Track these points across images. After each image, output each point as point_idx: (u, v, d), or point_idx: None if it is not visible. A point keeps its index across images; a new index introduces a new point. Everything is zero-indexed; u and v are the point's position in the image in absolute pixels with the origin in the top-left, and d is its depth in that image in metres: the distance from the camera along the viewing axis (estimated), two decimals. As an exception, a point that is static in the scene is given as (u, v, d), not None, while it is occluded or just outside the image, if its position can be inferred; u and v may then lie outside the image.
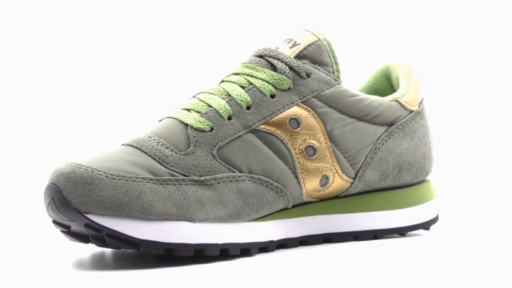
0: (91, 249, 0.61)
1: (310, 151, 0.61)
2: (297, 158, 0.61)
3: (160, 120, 0.62)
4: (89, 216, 0.54)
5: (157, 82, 1.04)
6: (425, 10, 1.02)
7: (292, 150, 0.61)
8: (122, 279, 0.52)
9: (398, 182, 0.66)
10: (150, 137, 0.59)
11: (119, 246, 0.55)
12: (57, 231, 0.57)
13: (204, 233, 0.57)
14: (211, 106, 0.60)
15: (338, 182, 0.63)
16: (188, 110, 0.61)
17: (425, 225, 0.67)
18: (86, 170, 0.55)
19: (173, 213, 0.56)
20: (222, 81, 0.63)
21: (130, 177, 0.55)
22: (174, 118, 0.61)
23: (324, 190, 0.63)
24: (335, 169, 0.62)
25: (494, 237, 0.66)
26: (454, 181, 0.88)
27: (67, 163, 0.56)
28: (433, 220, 0.67)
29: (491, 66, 1.02)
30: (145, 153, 0.58)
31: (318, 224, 0.64)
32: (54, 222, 0.56)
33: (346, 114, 0.63)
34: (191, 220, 0.57)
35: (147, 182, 0.56)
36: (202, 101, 0.61)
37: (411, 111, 0.66)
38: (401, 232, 0.66)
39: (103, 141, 0.75)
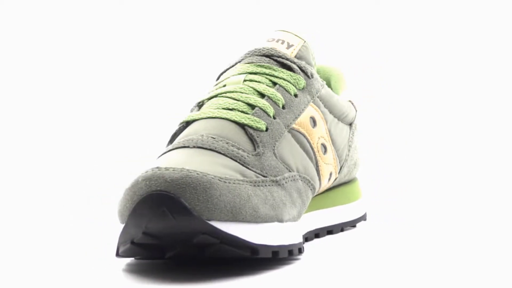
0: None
1: (323, 149, 0.63)
2: (318, 156, 0.62)
3: (185, 122, 0.58)
4: (211, 223, 0.50)
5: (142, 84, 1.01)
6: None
7: (315, 148, 0.62)
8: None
9: (348, 178, 0.70)
10: (214, 138, 0.56)
11: (230, 254, 0.51)
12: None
13: (292, 233, 0.56)
14: (253, 106, 0.59)
15: (332, 179, 0.66)
16: (231, 109, 0.58)
17: (354, 222, 0.71)
18: (198, 174, 0.50)
19: (272, 215, 0.54)
20: (245, 80, 0.61)
21: (235, 180, 0.52)
22: (223, 118, 0.57)
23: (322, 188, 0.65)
24: (335, 166, 0.65)
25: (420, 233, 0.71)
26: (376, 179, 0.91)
27: (158, 168, 0.50)
28: (362, 217, 0.72)
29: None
30: (223, 154, 0.55)
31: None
32: (144, 235, 0.50)
33: (333, 114, 0.66)
34: (281, 221, 0.55)
35: (246, 184, 0.53)
36: (238, 100, 0.59)
37: (356, 111, 0.71)
38: (350, 225, 0.70)
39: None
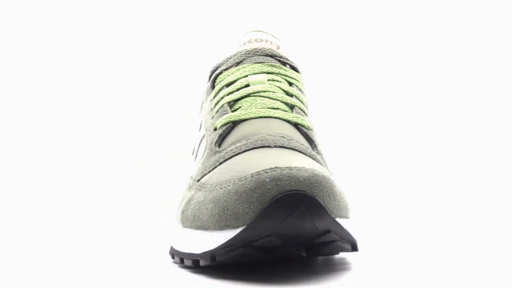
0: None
1: None
2: None
3: (232, 122, 0.57)
4: (338, 221, 0.50)
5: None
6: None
7: None
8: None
9: None
10: (284, 137, 0.56)
11: (340, 250, 0.51)
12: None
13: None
14: (291, 105, 0.59)
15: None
16: (275, 109, 0.58)
17: None
18: (321, 173, 0.50)
19: (351, 210, 0.54)
20: (268, 80, 0.60)
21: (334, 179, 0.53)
22: (275, 118, 0.57)
23: None
24: None
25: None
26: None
27: (288, 167, 0.49)
28: None
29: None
30: (303, 153, 0.55)
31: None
32: (269, 237, 0.49)
33: None
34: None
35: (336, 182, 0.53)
36: (275, 99, 0.59)
37: None
38: None
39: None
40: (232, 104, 0.59)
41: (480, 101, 0.99)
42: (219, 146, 0.57)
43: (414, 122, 0.99)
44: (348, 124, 0.93)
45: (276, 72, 0.61)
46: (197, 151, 0.61)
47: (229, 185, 0.50)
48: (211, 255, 0.51)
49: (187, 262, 0.53)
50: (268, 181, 0.48)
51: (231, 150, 0.55)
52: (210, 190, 0.52)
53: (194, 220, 0.53)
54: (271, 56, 0.62)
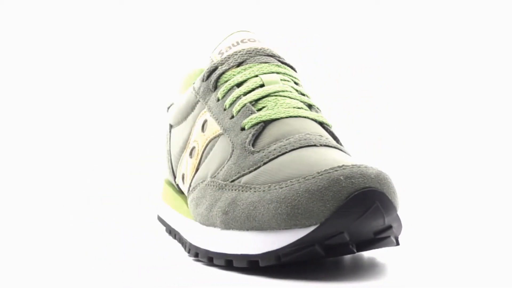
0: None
1: None
2: None
3: (263, 122, 0.57)
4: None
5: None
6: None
7: None
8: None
9: None
10: (322, 136, 0.56)
11: (387, 246, 0.52)
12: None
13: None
14: (308, 104, 0.59)
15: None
16: (299, 108, 0.58)
17: None
18: (383, 171, 0.51)
19: None
20: (281, 80, 0.61)
21: None
22: (303, 117, 0.58)
23: None
24: None
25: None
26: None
27: (353, 165, 0.50)
28: None
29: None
30: (344, 152, 0.56)
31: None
32: (341, 234, 0.49)
33: None
34: None
35: None
36: (295, 99, 0.59)
37: None
38: None
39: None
40: (253, 103, 0.59)
41: (480, 101, 0.99)
42: (253, 145, 0.57)
43: (414, 122, 0.99)
44: (348, 124, 0.92)
45: (283, 72, 0.61)
46: (204, 152, 0.60)
47: (293, 184, 0.51)
48: (276, 255, 0.51)
49: (239, 263, 0.53)
50: (343, 179, 0.49)
51: (274, 149, 0.55)
52: (265, 190, 0.52)
53: (247, 221, 0.52)
54: (271, 56, 0.62)
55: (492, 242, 0.64)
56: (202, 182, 0.59)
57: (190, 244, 0.59)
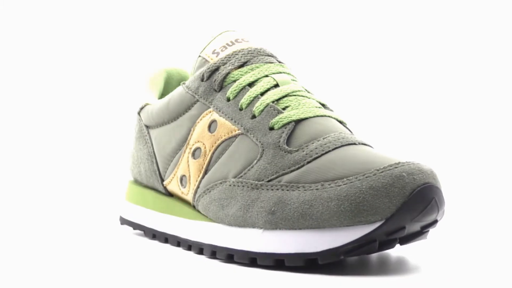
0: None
1: None
2: None
3: (294, 121, 0.57)
4: None
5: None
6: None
7: None
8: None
9: None
10: (352, 134, 0.57)
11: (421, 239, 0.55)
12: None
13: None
14: (322, 103, 0.60)
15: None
16: (318, 107, 0.59)
17: None
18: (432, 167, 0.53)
19: None
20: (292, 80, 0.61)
21: None
22: (327, 116, 0.58)
23: None
24: None
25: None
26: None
27: (406, 162, 0.52)
28: None
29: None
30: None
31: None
32: (403, 229, 0.51)
33: None
34: None
35: None
36: (311, 99, 0.59)
37: None
38: None
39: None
40: (275, 103, 0.59)
41: (480, 101, 1.02)
42: (287, 145, 0.56)
43: (414, 122, 1.01)
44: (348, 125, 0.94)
45: (287, 72, 0.62)
46: (215, 153, 0.59)
47: (352, 182, 0.51)
48: (336, 252, 0.51)
49: (294, 262, 0.53)
50: (405, 175, 0.51)
51: (316, 148, 0.55)
52: (318, 188, 0.52)
53: (301, 219, 0.52)
54: (271, 56, 0.63)
55: (492, 242, 0.66)
56: (222, 183, 0.58)
57: (213, 246, 0.58)
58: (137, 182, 0.69)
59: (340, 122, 0.59)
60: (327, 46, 0.98)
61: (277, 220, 0.53)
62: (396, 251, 0.58)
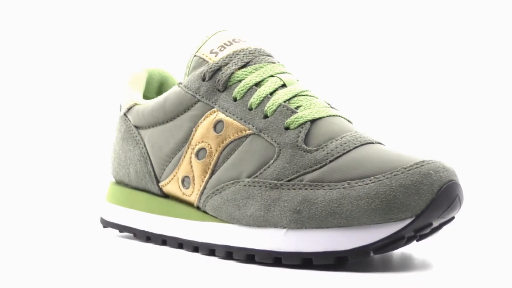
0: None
1: None
2: None
3: (310, 121, 0.57)
4: None
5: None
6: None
7: None
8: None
9: None
10: (366, 134, 0.58)
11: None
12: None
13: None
14: (327, 103, 0.60)
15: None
16: (326, 107, 0.59)
17: None
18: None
19: None
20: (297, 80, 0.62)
21: None
22: (338, 116, 0.59)
23: None
24: None
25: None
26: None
27: (430, 160, 0.53)
28: None
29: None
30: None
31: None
32: (428, 226, 0.53)
33: None
34: None
35: None
36: (317, 98, 0.60)
37: None
38: None
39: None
40: (287, 103, 0.59)
41: (480, 101, 1.02)
42: (306, 144, 0.57)
43: (414, 122, 1.01)
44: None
45: (289, 72, 0.62)
46: (223, 153, 0.59)
47: (380, 180, 0.52)
48: (366, 250, 0.52)
49: (323, 261, 0.53)
50: (433, 173, 0.52)
51: (336, 147, 0.56)
52: (345, 187, 0.53)
53: (330, 217, 0.53)
54: (270, 56, 0.63)
55: (494, 242, 0.67)
56: (234, 183, 0.58)
57: (227, 247, 0.57)
58: (122, 183, 0.67)
59: (348, 121, 0.60)
60: (321, 47, 0.98)
61: (303, 219, 0.54)
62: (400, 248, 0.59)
